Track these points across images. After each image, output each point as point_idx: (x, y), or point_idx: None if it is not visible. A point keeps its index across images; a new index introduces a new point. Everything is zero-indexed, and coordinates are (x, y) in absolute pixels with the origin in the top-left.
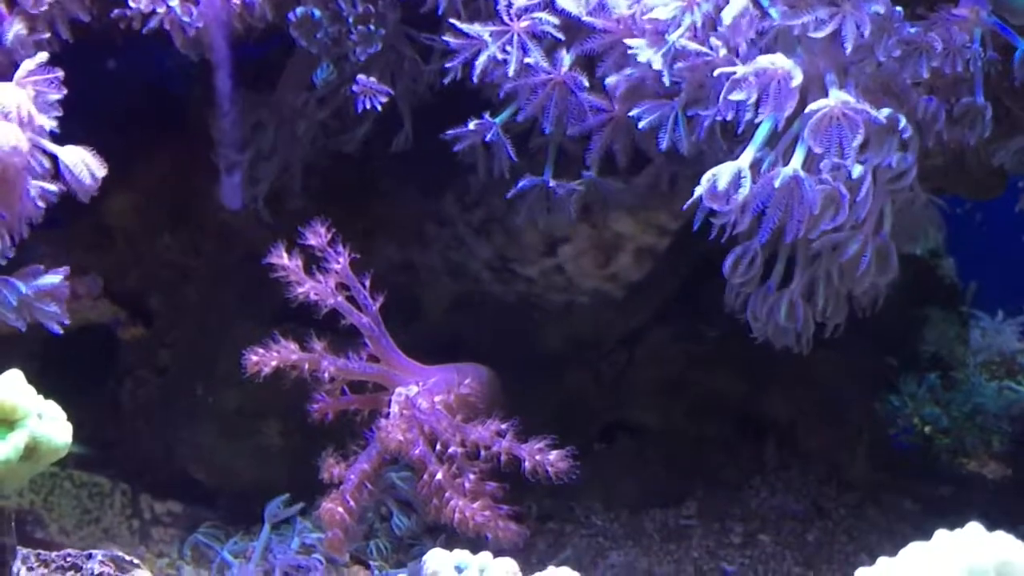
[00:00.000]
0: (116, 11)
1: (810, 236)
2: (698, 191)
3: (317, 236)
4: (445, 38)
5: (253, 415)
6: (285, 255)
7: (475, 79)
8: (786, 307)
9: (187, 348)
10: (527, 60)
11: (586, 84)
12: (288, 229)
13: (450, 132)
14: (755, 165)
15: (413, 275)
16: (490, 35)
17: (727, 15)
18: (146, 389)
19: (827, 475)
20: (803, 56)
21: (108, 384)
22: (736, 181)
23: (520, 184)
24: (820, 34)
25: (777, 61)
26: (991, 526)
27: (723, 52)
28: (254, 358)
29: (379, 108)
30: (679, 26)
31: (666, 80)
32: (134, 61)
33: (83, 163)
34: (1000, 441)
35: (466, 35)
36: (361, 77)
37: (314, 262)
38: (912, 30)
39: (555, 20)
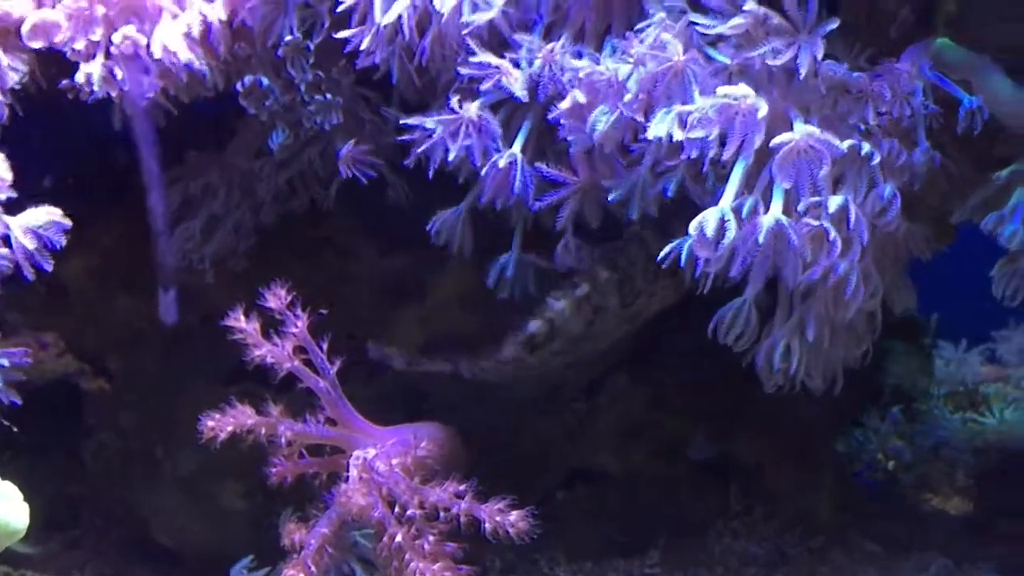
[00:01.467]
0: (64, 82)
1: (810, 278)
2: (687, 243)
3: (276, 299)
4: (403, 123)
5: (213, 477)
6: (243, 317)
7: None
8: (783, 349)
9: (146, 410)
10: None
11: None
12: (245, 290)
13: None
14: (737, 209)
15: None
16: (440, 125)
17: None
18: (107, 451)
19: (791, 517)
20: (763, 94)
21: (71, 441)
22: (722, 226)
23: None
24: (777, 61)
25: (737, 91)
26: (954, 564)
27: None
28: (210, 423)
29: (364, 182)
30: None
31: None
32: (91, 122)
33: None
34: (964, 475)
35: (416, 127)
36: (349, 145)
37: (274, 324)
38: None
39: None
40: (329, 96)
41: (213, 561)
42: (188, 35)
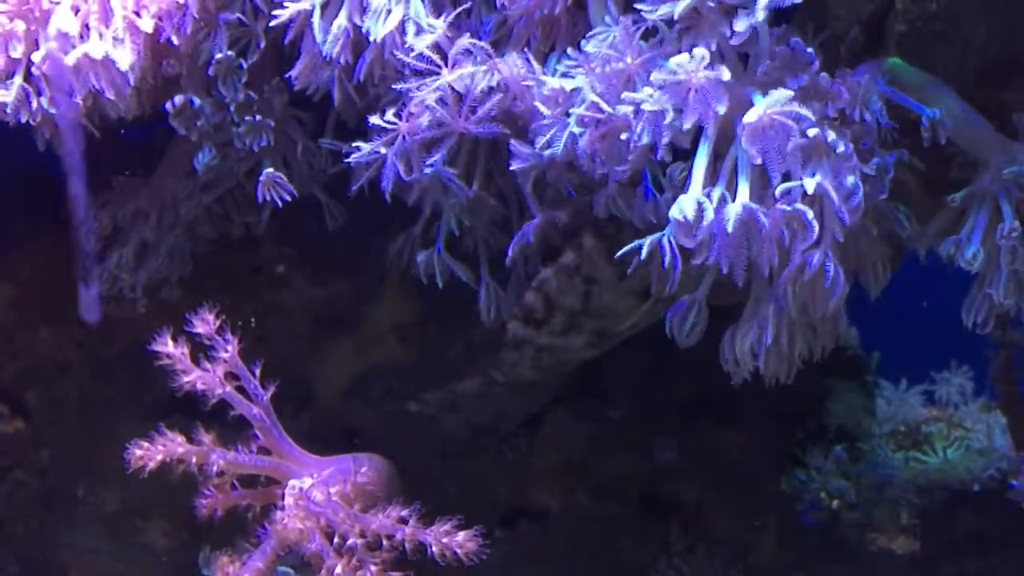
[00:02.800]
0: None
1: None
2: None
3: (205, 324)
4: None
5: (136, 514)
6: (171, 343)
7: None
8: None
9: (67, 446)
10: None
11: None
12: (173, 318)
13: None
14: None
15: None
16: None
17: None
18: (25, 491)
19: (733, 556)
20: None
21: None
22: (700, 212)
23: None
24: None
25: (683, 60)
26: None
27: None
28: (138, 452)
29: (280, 204)
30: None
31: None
32: (10, 148)
33: None
34: (908, 514)
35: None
36: (268, 171)
37: (202, 351)
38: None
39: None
40: (259, 117)
41: None
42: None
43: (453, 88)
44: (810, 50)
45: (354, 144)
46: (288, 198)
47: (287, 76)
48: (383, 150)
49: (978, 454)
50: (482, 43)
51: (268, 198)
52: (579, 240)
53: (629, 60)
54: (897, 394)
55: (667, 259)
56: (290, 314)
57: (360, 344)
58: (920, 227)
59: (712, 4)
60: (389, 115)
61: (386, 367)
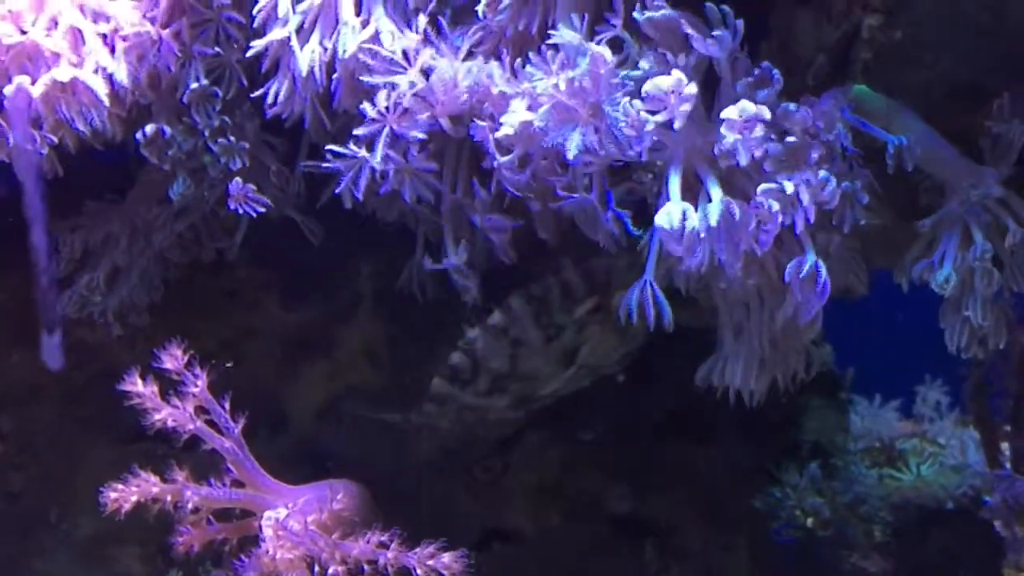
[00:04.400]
0: None
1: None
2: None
3: (173, 359)
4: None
5: (110, 541)
6: (140, 381)
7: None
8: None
9: (40, 471)
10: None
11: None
12: (146, 345)
13: None
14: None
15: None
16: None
17: None
18: None
19: (707, 574)
20: None
21: None
22: (682, 219)
23: None
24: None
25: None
26: None
27: None
28: (112, 495)
29: (253, 215)
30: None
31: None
32: None
33: None
34: (882, 532)
35: (342, 155)
36: (237, 182)
37: (173, 383)
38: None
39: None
40: (233, 139)
41: None
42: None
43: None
44: (776, 72)
45: (329, 148)
46: (262, 213)
47: (262, 103)
48: (361, 152)
49: (952, 471)
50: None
51: (241, 211)
52: (508, 302)
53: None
54: (872, 410)
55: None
56: (263, 337)
57: (332, 368)
58: (885, 252)
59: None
60: (380, 103)
61: (359, 390)
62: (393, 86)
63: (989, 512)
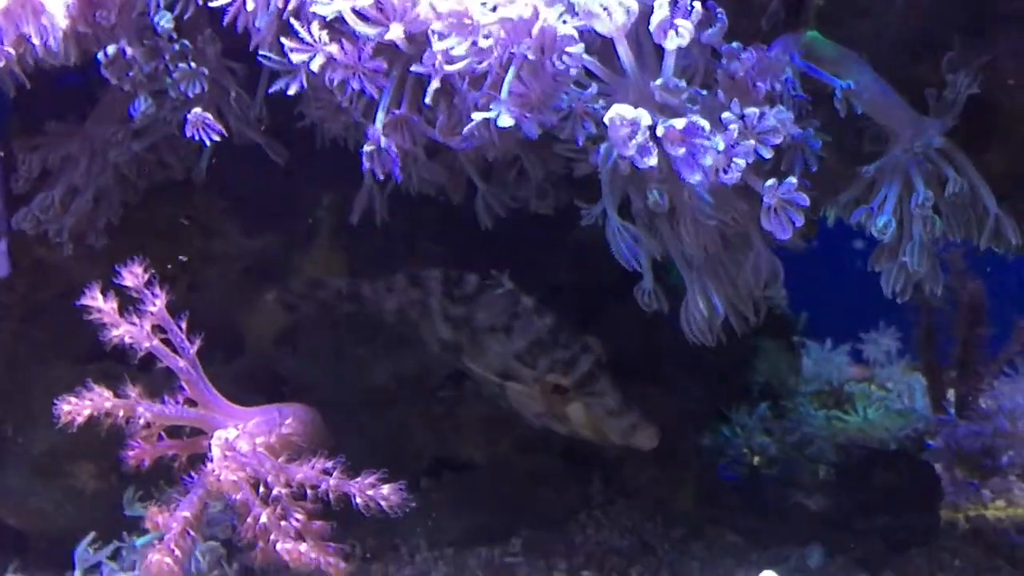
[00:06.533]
0: None
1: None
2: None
3: (133, 276)
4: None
5: (65, 457)
6: (100, 297)
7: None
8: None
9: None
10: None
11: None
12: (105, 267)
13: None
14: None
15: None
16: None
17: None
18: None
19: (653, 510)
20: None
21: None
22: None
23: None
24: None
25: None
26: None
27: None
28: (66, 407)
29: (207, 144)
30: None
31: None
32: None
33: None
34: (826, 471)
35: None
36: (196, 111)
37: (131, 302)
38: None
39: None
40: (194, 65)
41: (62, 542)
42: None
43: None
44: (721, 12)
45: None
46: (218, 139)
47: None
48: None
49: (897, 414)
50: None
51: (196, 138)
52: None
53: None
54: (823, 354)
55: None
56: (222, 263)
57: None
58: (832, 195)
59: None
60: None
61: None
62: None
63: (931, 455)
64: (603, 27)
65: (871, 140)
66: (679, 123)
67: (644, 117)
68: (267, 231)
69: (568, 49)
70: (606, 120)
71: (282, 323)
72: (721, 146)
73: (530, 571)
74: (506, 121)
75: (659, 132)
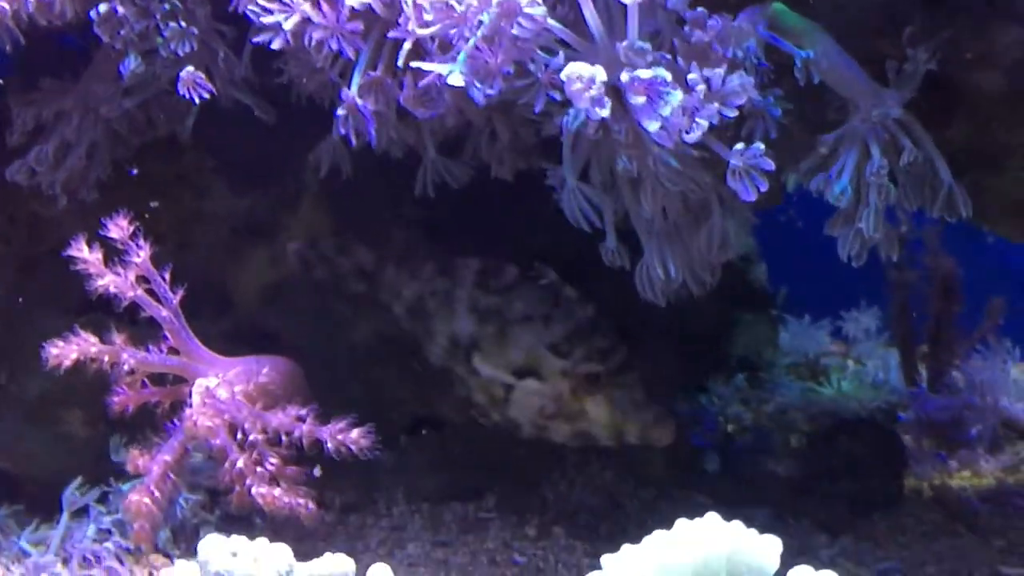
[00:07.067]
0: None
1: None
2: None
3: (119, 229)
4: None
5: (56, 403)
6: (85, 247)
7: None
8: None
9: None
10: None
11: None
12: (95, 222)
13: None
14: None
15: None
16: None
17: None
18: None
19: (625, 471)
20: None
21: None
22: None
23: None
24: None
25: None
26: (777, 519)
27: None
28: (54, 351)
29: (196, 102)
30: None
31: None
32: None
33: None
34: (798, 440)
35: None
36: (188, 69)
37: (118, 254)
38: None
39: None
40: (184, 24)
41: (52, 486)
42: None
43: None
44: None
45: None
46: (214, 98)
47: None
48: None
49: (871, 387)
50: None
51: (187, 96)
52: None
53: None
54: (802, 328)
55: None
56: (211, 221)
57: (276, 253)
58: (792, 164)
59: None
60: None
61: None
62: None
63: (902, 427)
64: None
65: (835, 111)
66: (645, 74)
67: (600, 73)
68: (256, 190)
69: (528, 11)
70: (562, 76)
71: (269, 281)
72: (680, 97)
73: (502, 526)
74: (456, 80)
75: (623, 79)
